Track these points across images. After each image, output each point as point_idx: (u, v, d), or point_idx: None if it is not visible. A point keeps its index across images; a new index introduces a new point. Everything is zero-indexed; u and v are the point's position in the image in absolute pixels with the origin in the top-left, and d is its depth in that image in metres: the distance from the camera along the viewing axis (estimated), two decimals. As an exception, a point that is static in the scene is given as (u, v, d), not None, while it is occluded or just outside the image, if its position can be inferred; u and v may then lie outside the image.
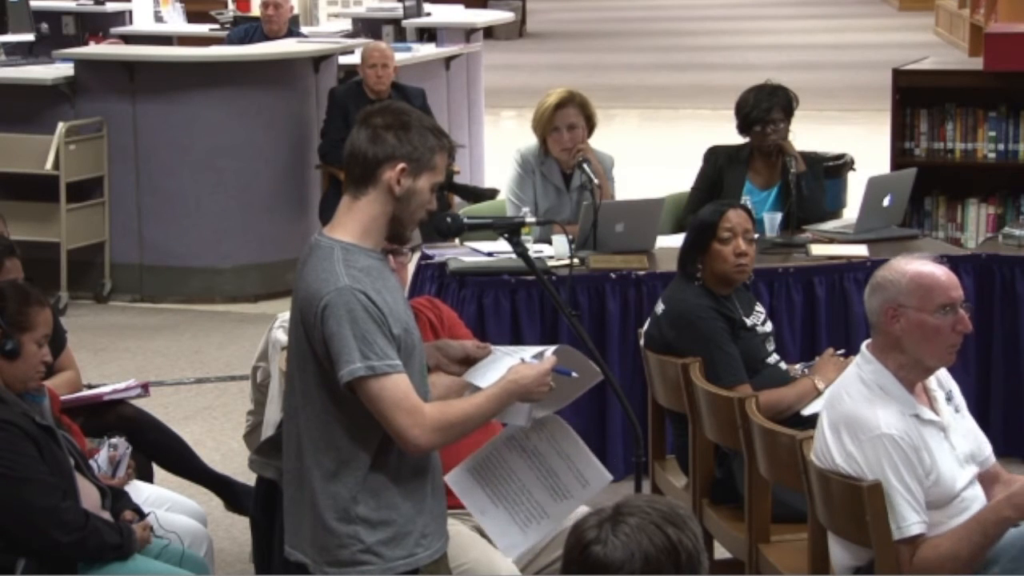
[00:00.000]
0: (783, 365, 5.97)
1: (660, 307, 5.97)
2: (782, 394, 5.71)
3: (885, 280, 4.57)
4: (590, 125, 7.48)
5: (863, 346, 4.68)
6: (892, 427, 4.46)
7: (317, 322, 4.02)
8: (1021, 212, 8.55)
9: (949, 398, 4.72)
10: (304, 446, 4.12)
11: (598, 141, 7.66)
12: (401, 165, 4.09)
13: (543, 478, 4.38)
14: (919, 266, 4.57)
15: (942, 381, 4.73)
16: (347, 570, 4.09)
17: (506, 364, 4.25)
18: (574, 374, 4.29)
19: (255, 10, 13.74)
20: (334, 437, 4.08)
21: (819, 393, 5.60)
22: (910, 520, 4.43)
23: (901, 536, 4.43)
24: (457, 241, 7.24)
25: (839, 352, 5.89)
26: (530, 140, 7.57)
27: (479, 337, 5.76)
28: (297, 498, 4.17)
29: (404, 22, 13.77)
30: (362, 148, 4.11)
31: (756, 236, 6.11)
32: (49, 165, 9.89)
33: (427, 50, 12.60)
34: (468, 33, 13.70)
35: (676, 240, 6.57)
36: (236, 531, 6.54)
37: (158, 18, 14.18)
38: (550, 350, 4.29)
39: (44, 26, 12.98)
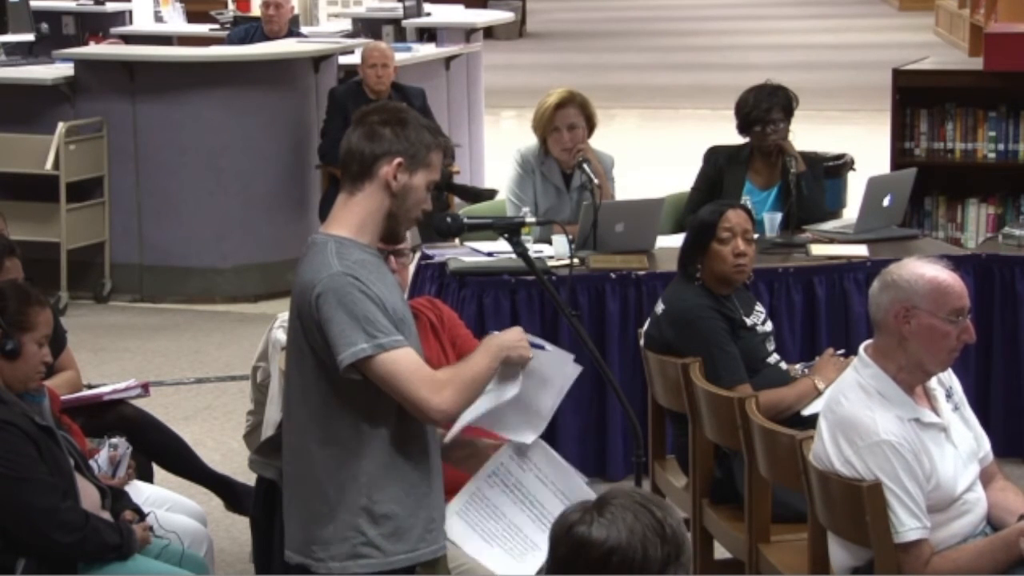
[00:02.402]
0: (783, 365, 5.97)
1: (660, 307, 5.97)
2: (782, 394, 5.71)
3: (900, 279, 4.55)
4: (590, 125, 7.48)
5: (861, 349, 4.67)
6: (891, 433, 4.45)
7: (312, 310, 4.02)
8: (1021, 212, 8.55)
9: (949, 395, 4.72)
10: (304, 442, 4.12)
11: (598, 141, 7.66)
12: (398, 160, 4.10)
13: (529, 510, 4.41)
14: (935, 270, 4.56)
15: (942, 378, 4.72)
16: (347, 563, 4.10)
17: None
18: (548, 347, 4.32)
19: (255, 10, 13.73)
20: (334, 431, 4.08)
21: (819, 393, 5.60)
22: (908, 525, 4.42)
23: (899, 540, 4.43)
24: (457, 241, 7.24)
25: (839, 352, 5.89)
26: (530, 140, 7.57)
27: (479, 337, 5.75)
28: (297, 497, 4.17)
29: (404, 22, 13.77)
30: (359, 145, 4.12)
31: (756, 236, 6.11)
32: (49, 165, 9.89)
33: (427, 50, 12.60)
34: (468, 33, 13.70)
35: (676, 240, 6.57)
36: (236, 531, 6.54)
37: (158, 18, 14.17)
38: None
39: (44, 26, 12.96)
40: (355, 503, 4.08)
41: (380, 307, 4.01)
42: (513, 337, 4.22)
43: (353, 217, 4.12)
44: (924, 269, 4.56)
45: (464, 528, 4.41)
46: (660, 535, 2.95)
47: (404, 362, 4.00)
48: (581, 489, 4.42)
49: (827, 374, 5.67)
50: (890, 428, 4.46)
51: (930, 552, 4.45)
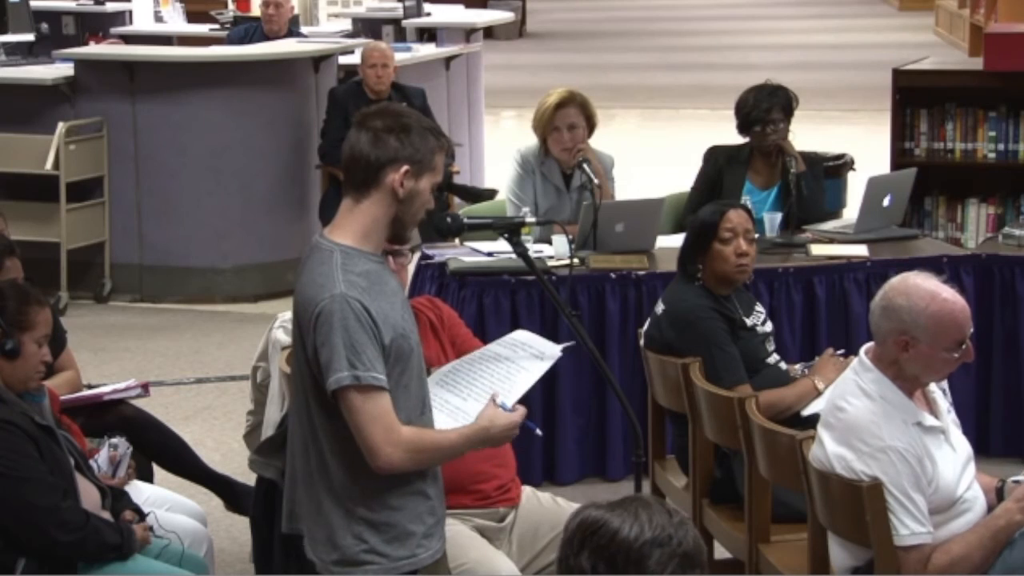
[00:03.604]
0: (783, 365, 5.97)
1: (660, 307, 5.97)
2: (782, 394, 5.71)
3: (902, 309, 4.48)
4: (590, 125, 7.48)
5: (861, 352, 4.65)
6: (897, 439, 4.44)
7: (310, 328, 4.03)
8: (1021, 212, 8.55)
9: (944, 393, 4.72)
10: (308, 449, 4.13)
11: (598, 141, 7.66)
12: (405, 167, 4.09)
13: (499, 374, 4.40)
14: (939, 302, 4.47)
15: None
16: (351, 570, 4.11)
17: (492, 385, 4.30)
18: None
19: (255, 10, 13.74)
20: (335, 440, 4.08)
21: (819, 393, 5.59)
22: (910, 529, 4.42)
23: (899, 543, 4.43)
24: (457, 241, 7.25)
25: (839, 352, 5.89)
26: (530, 140, 7.57)
27: (479, 337, 5.76)
28: (307, 498, 4.17)
29: (404, 22, 13.77)
30: (364, 151, 4.10)
31: (756, 236, 6.11)
32: (49, 165, 9.89)
33: (427, 50, 12.60)
34: (468, 33, 13.70)
35: (676, 240, 6.57)
36: (236, 531, 6.54)
37: (158, 18, 14.18)
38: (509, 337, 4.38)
39: (44, 26, 12.95)
40: (355, 511, 4.09)
41: (374, 336, 4.00)
42: (504, 430, 4.21)
43: (358, 225, 4.11)
44: (927, 297, 4.47)
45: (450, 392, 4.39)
46: (683, 531, 2.94)
47: (371, 402, 4.00)
48: (520, 336, 4.46)
49: (827, 374, 5.66)
50: (896, 434, 4.45)
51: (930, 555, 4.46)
